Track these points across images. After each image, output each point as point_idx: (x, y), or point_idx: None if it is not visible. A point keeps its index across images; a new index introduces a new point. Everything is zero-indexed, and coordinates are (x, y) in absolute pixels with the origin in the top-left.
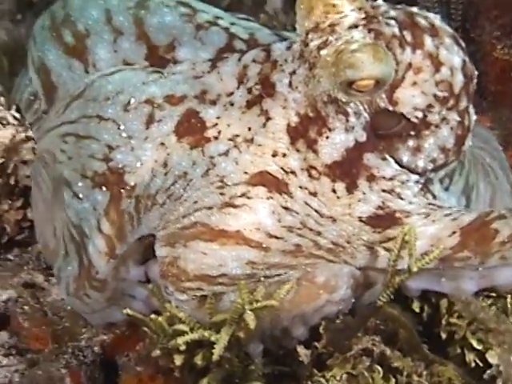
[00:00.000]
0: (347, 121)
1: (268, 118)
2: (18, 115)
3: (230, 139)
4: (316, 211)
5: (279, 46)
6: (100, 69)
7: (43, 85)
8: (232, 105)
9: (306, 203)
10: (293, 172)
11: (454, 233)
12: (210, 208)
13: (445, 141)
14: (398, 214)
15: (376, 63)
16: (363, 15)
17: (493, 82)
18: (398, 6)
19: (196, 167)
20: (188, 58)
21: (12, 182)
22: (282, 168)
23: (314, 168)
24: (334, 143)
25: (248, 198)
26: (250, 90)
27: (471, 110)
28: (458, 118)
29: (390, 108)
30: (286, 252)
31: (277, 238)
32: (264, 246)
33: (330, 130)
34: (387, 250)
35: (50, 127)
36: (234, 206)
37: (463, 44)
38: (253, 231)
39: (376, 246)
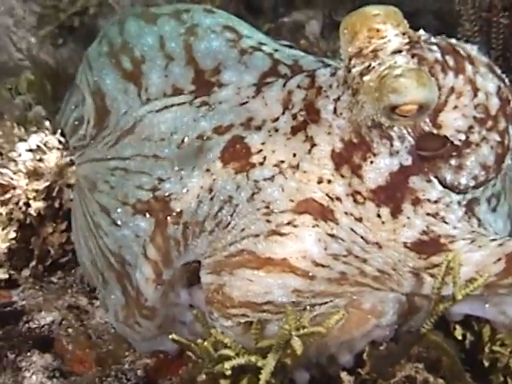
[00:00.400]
0: (392, 145)
1: (313, 145)
2: (62, 139)
3: (275, 165)
4: (362, 237)
5: (324, 71)
6: (151, 94)
7: (97, 108)
8: (277, 131)
9: (352, 229)
10: (338, 198)
11: (499, 259)
12: (256, 236)
13: (485, 158)
14: (442, 240)
15: (420, 88)
16: (406, 40)
17: None
18: (438, 37)
19: (240, 191)
20: (232, 80)
21: (56, 205)
22: (327, 195)
23: (359, 193)
24: (379, 168)
25: (294, 226)
26: (294, 116)
27: (510, 129)
28: (498, 138)
29: (435, 131)
30: (332, 280)
31: (323, 266)
32: (310, 274)
33: (374, 154)
34: (433, 276)
35: (96, 157)
36: (281, 234)
37: (499, 71)
38: (299, 259)
39: (422, 272)
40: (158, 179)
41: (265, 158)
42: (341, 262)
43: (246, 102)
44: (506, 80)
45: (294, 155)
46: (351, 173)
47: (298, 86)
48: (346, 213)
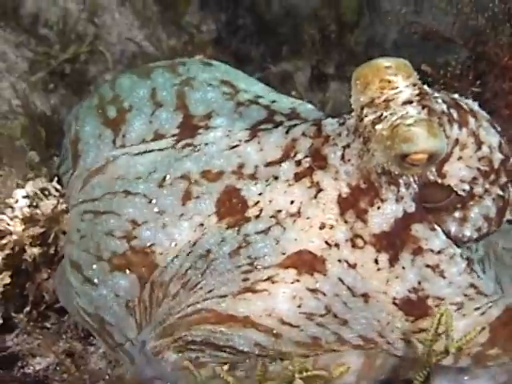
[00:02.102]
0: (398, 191)
1: (320, 190)
2: (59, 186)
3: (271, 216)
4: (348, 288)
5: (331, 121)
6: (128, 140)
7: (72, 155)
8: (276, 178)
9: (340, 279)
10: (336, 245)
11: (483, 329)
12: (222, 296)
13: (488, 210)
14: (429, 302)
15: (431, 138)
16: (417, 91)
17: None
18: (441, 92)
19: (224, 245)
20: (223, 125)
21: (52, 251)
22: (326, 242)
23: (360, 237)
24: (385, 213)
25: (272, 282)
26: (299, 163)
27: (509, 186)
28: (500, 192)
29: (439, 181)
30: (301, 344)
31: (291, 325)
32: (274, 331)
33: (382, 200)
34: (422, 342)
35: (72, 205)
36: (254, 291)
37: (498, 128)
38: (263, 317)
39: (411, 337)
40: (130, 222)
41: (261, 210)
42: (315, 322)
43: (237, 146)
44: (504, 138)
45: (292, 202)
46: (355, 217)
47: (304, 134)
48: (339, 260)
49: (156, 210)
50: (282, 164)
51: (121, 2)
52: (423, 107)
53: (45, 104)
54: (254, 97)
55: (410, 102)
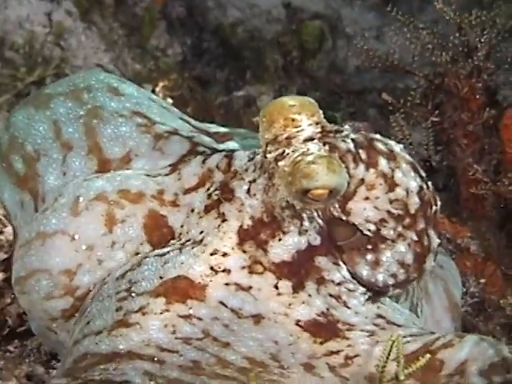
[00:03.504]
0: (301, 225)
1: (224, 220)
2: None
3: (181, 244)
4: (232, 311)
5: (241, 155)
6: (48, 201)
7: (14, 232)
8: (192, 211)
9: (222, 303)
10: (225, 270)
11: (430, 354)
12: (98, 333)
13: (403, 256)
14: (340, 325)
15: (330, 174)
16: (319, 129)
17: (468, 199)
18: (362, 132)
19: (116, 272)
20: (145, 169)
21: None
22: (211, 267)
23: (260, 263)
24: (286, 244)
25: (143, 313)
26: (209, 196)
27: (432, 233)
28: (415, 238)
29: (343, 217)
30: (184, 368)
31: (170, 351)
32: (156, 359)
33: (283, 232)
34: (331, 367)
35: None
36: (127, 325)
37: (423, 173)
38: (142, 348)
39: (316, 360)
40: (64, 273)
41: (180, 238)
42: (193, 346)
43: (157, 176)
44: (430, 184)
45: (201, 232)
46: (256, 247)
47: (217, 167)
48: (226, 284)
49: (84, 247)
50: (198, 193)
51: (87, 25)
52: (324, 144)
53: None
54: (173, 129)
55: (311, 139)
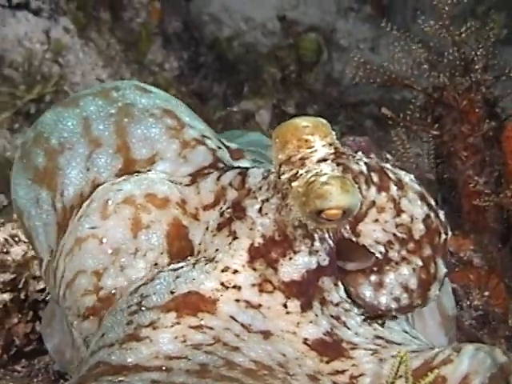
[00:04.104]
0: (312, 245)
1: (235, 238)
2: None
3: (196, 260)
4: (242, 325)
5: (256, 173)
6: (67, 198)
7: (24, 232)
8: (207, 229)
9: (232, 317)
10: (236, 287)
11: (437, 372)
12: (111, 345)
13: (407, 280)
14: (344, 345)
15: (343, 194)
16: (332, 150)
17: (469, 212)
18: (373, 158)
19: (138, 283)
20: (167, 172)
21: (22, 296)
22: (222, 283)
23: (270, 282)
24: (296, 264)
25: (154, 328)
26: (222, 214)
27: (440, 261)
28: (421, 263)
29: (354, 238)
30: (191, 372)
31: (178, 358)
32: (164, 368)
33: (294, 252)
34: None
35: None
36: (137, 339)
37: (432, 202)
38: (150, 360)
39: (322, 377)
40: (95, 274)
41: (197, 256)
42: (202, 351)
43: (179, 185)
44: (441, 213)
45: (216, 250)
46: (266, 265)
47: (230, 184)
48: (237, 300)
49: (110, 251)
50: (214, 211)
51: (84, 41)
52: (338, 165)
53: (10, 143)
54: (201, 136)
55: (324, 160)
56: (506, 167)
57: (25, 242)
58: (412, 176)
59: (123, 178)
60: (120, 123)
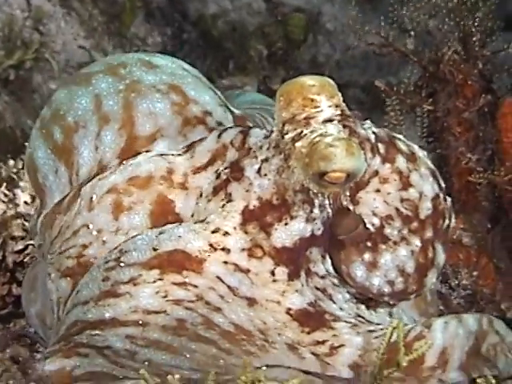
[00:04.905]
0: (311, 211)
1: (229, 200)
2: (8, 192)
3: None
4: (229, 287)
5: (258, 132)
6: (81, 177)
7: (33, 184)
8: (201, 195)
9: (219, 278)
10: (224, 249)
11: (430, 344)
12: (85, 303)
13: (404, 263)
14: (327, 316)
15: (348, 157)
16: (339, 112)
17: (460, 190)
18: (384, 129)
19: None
20: (164, 151)
21: (0, 256)
22: (210, 244)
23: (260, 247)
24: (291, 230)
25: (134, 284)
26: (219, 175)
27: (439, 247)
28: (420, 244)
29: (351, 207)
30: (167, 328)
31: (157, 312)
32: (141, 322)
33: (291, 217)
34: (315, 355)
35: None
36: (115, 296)
37: (442, 183)
38: (128, 315)
39: (301, 347)
40: (82, 246)
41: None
42: (183, 307)
43: (169, 155)
44: (448, 198)
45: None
46: (259, 229)
47: (231, 143)
48: (225, 262)
49: (94, 232)
50: (207, 172)
51: (66, 11)
52: (344, 127)
53: None
54: (203, 112)
55: (330, 120)
56: (500, 145)
57: (3, 202)
58: (425, 152)
59: (109, 171)
60: (127, 98)
